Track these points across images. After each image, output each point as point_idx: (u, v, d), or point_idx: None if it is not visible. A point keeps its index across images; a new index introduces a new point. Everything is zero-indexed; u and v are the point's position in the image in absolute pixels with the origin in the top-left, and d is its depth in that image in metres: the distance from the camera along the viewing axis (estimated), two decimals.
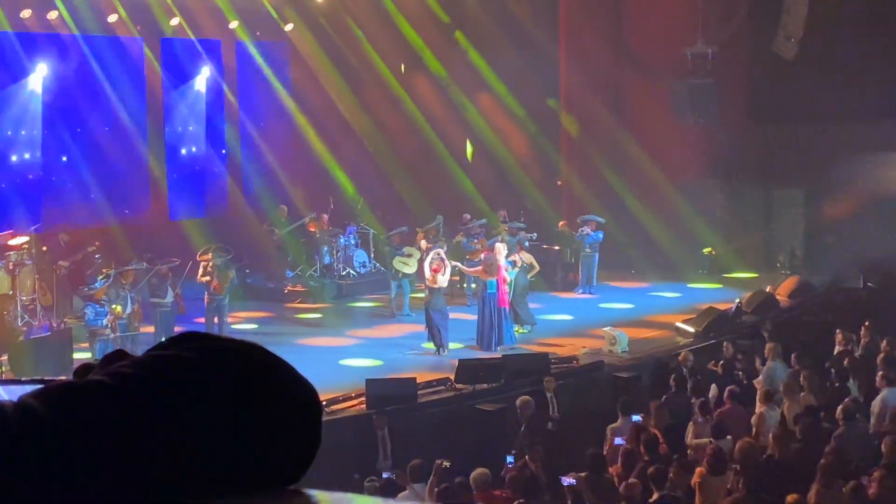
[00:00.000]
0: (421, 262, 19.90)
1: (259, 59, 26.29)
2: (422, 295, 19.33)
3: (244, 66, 26.74)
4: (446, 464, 11.42)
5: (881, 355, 14.92)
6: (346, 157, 26.72)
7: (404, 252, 21.64)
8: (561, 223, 24.54)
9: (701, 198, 24.70)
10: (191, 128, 26.30)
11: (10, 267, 18.71)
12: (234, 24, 25.58)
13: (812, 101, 22.49)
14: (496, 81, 26.47)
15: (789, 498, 9.53)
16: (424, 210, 24.48)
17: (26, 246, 19.45)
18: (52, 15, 22.48)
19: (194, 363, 1.14)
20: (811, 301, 21.18)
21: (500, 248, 18.96)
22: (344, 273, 24.21)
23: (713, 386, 14.66)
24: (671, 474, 10.52)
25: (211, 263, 18.79)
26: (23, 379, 1.41)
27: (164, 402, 1.10)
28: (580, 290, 23.34)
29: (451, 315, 18.96)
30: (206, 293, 18.86)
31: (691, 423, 13.00)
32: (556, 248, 24.53)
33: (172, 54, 25.38)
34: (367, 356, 18.38)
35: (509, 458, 12.41)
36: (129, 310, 17.47)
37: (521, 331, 19.56)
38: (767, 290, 21.17)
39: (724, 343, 16.78)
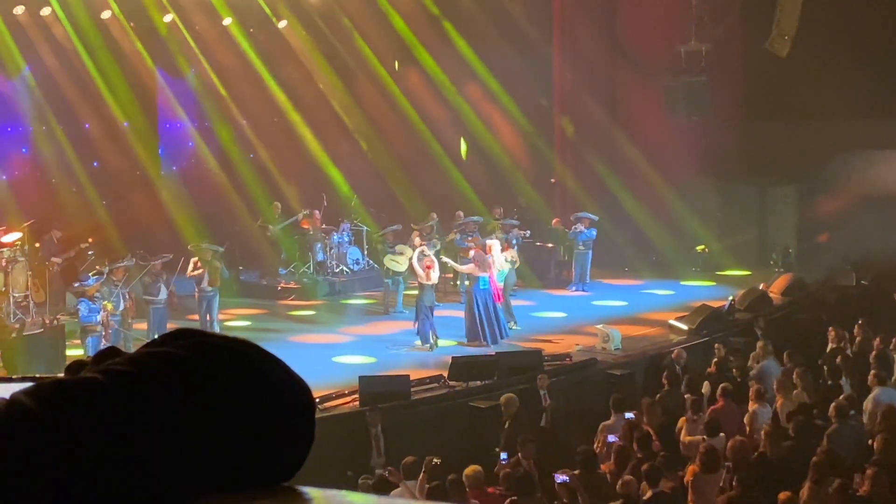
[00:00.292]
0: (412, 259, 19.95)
1: (252, 56, 26.26)
2: (416, 292, 19.37)
3: (238, 62, 26.69)
4: (436, 460, 11.41)
5: (874, 353, 14.96)
6: (340, 154, 26.69)
7: (396, 250, 21.65)
8: (555, 220, 24.56)
9: (694, 195, 24.71)
10: (184, 124, 26.25)
11: (3, 264, 18.66)
12: (227, 21, 25.55)
13: (805, 98, 22.51)
14: (490, 79, 26.45)
15: (781, 496, 9.55)
16: (418, 207, 24.47)
17: (19, 242, 19.41)
18: (46, 11, 22.44)
19: (187, 360, 1.14)
20: (804, 299, 21.20)
21: (495, 245, 19.12)
22: (337, 270, 24.20)
23: (706, 383, 14.67)
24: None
25: (201, 259, 18.81)
26: (15, 377, 1.40)
27: (157, 399, 1.10)
28: (573, 288, 23.34)
29: (446, 312, 19.14)
30: (196, 289, 18.86)
31: (684, 420, 13.00)
32: (550, 245, 24.56)
33: (166, 51, 25.34)
34: (361, 353, 18.38)
35: (503, 455, 12.42)
36: (121, 307, 17.46)
37: (514, 326, 19.69)
38: (760, 287, 21.18)
39: (716, 344, 16.78)
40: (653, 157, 24.70)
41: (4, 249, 19.02)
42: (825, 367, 14.85)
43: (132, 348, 1.22)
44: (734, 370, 15.46)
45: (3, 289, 18.41)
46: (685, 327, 18.98)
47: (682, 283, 23.78)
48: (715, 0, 24.38)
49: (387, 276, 21.76)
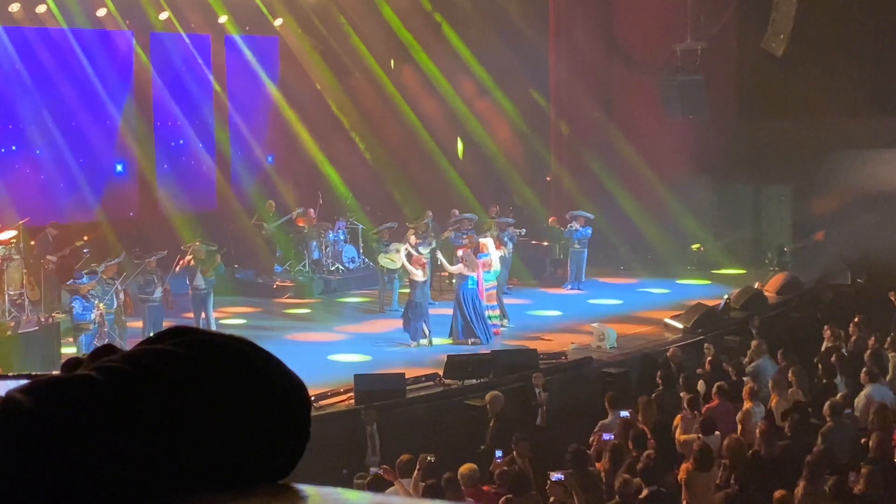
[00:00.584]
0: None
1: (248, 54, 26.25)
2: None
3: (233, 60, 26.70)
4: (431, 458, 11.41)
5: (868, 351, 14.98)
6: (336, 152, 26.70)
7: (391, 248, 21.65)
8: (550, 219, 24.57)
9: (690, 194, 24.73)
10: (180, 122, 26.24)
11: None
12: (223, 19, 25.53)
13: (801, 97, 22.53)
14: (486, 78, 26.46)
15: (776, 494, 9.56)
16: (414, 206, 24.46)
17: (14, 240, 19.39)
18: (41, 9, 22.42)
19: (183, 358, 1.14)
20: (799, 297, 21.22)
21: (489, 244, 19.17)
22: (333, 268, 24.20)
23: (700, 382, 14.68)
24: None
25: (195, 258, 18.81)
26: (10, 374, 1.40)
27: (152, 396, 1.10)
28: (569, 286, 23.35)
29: (441, 311, 19.09)
30: (189, 287, 18.85)
31: (680, 418, 13.01)
32: (546, 243, 24.57)
33: (161, 49, 25.33)
34: (356, 351, 18.37)
35: (498, 454, 12.42)
36: (114, 305, 17.44)
37: (506, 324, 19.72)
38: (756, 286, 21.20)
39: (706, 345, 16.79)
40: (648, 155, 24.71)
41: None
42: (820, 366, 14.87)
43: (127, 347, 1.21)
44: (730, 369, 15.47)
45: None
46: (680, 326, 19.01)
47: (678, 281, 23.80)
48: None
49: (381, 274, 21.77)
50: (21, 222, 19.98)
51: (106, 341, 13.66)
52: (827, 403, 12.27)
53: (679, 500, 10.59)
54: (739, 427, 12.68)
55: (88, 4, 23.17)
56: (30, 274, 19.32)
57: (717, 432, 12.10)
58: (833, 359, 14.86)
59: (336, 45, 26.68)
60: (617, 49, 26.17)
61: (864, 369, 13.66)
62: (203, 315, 18.81)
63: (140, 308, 18.24)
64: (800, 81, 22.36)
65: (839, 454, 11.13)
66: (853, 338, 16.34)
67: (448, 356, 16.41)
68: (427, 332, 18.55)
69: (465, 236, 21.55)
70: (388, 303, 21.49)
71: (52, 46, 23.09)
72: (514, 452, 12.09)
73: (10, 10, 22.00)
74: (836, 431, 11.83)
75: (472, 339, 18.33)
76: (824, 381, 14.38)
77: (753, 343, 15.93)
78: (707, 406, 13.38)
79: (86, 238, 21.27)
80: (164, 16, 24.36)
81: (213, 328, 17.08)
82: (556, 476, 10.71)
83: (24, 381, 1.13)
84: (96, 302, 16.85)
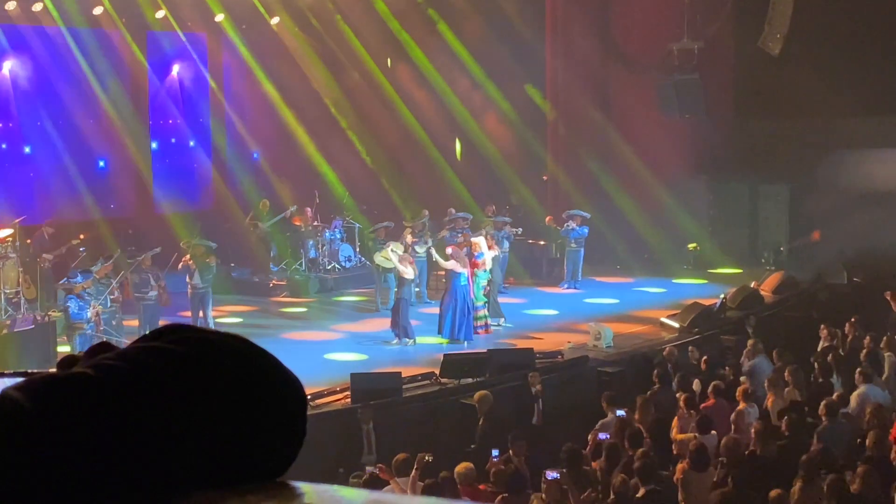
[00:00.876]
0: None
1: (245, 53, 26.22)
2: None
3: (230, 59, 26.68)
4: (429, 457, 11.41)
5: (864, 351, 14.98)
6: (332, 150, 26.68)
7: (387, 247, 21.65)
8: (547, 218, 24.57)
9: (686, 193, 24.74)
10: (176, 121, 26.22)
11: None
12: (219, 17, 25.51)
13: (797, 97, 22.56)
14: (483, 77, 26.46)
15: (773, 493, 9.56)
16: (410, 205, 24.45)
17: (10, 239, 19.38)
18: (37, 7, 22.39)
19: (179, 355, 1.13)
20: (796, 297, 21.23)
21: (481, 242, 19.21)
22: (329, 267, 24.20)
23: (696, 381, 14.68)
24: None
25: (192, 255, 18.81)
26: (6, 372, 1.39)
27: (148, 394, 1.10)
28: (565, 285, 23.36)
29: (435, 309, 19.12)
30: (188, 285, 18.85)
31: (676, 417, 13.02)
32: (542, 242, 24.58)
33: (158, 47, 25.31)
34: (352, 350, 18.38)
35: (494, 453, 12.42)
36: (109, 304, 17.43)
37: (503, 323, 19.73)
38: (752, 285, 21.21)
39: (689, 347, 16.79)
40: (645, 154, 24.73)
41: None
42: (816, 365, 14.87)
43: (123, 344, 1.21)
44: (726, 368, 15.48)
45: None
46: (676, 325, 19.02)
47: (674, 280, 23.82)
48: None
49: (378, 273, 21.77)
50: (17, 221, 19.97)
51: (103, 339, 13.66)
52: (823, 403, 12.28)
53: (675, 500, 10.59)
54: (733, 427, 12.69)
55: (85, 2, 23.14)
56: (26, 272, 19.32)
57: (713, 431, 12.11)
58: (829, 358, 14.88)
59: (332, 43, 26.67)
60: (614, 48, 26.19)
61: (858, 369, 13.67)
62: (201, 314, 18.81)
63: (136, 306, 18.23)
64: (796, 81, 22.38)
65: (835, 453, 11.14)
66: (849, 337, 16.35)
67: (444, 355, 16.44)
68: (404, 333, 18.62)
69: (459, 235, 21.58)
70: (385, 302, 21.48)
71: (49, 44, 23.05)
72: (511, 451, 12.10)
73: (6, 7, 21.97)
74: (832, 431, 11.83)
75: (450, 339, 18.39)
76: (820, 380, 14.40)
77: (749, 342, 15.94)
78: (703, 405, 13.39)
79: (82, 237, 21.26)
80: (160, 14, 24.32)
81: (211, 327, 17.07)
82: (550, 474, 10.71)
83: (19, 379, 1.12)
84: (92, 301, 16.84)
